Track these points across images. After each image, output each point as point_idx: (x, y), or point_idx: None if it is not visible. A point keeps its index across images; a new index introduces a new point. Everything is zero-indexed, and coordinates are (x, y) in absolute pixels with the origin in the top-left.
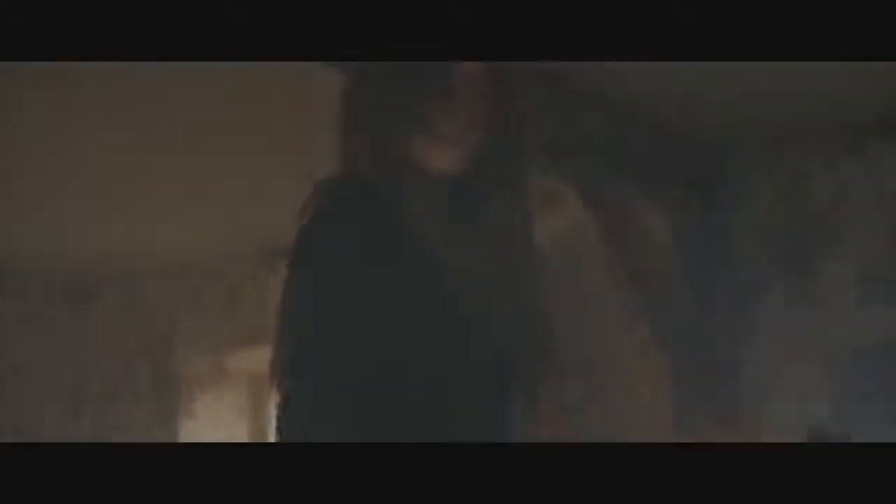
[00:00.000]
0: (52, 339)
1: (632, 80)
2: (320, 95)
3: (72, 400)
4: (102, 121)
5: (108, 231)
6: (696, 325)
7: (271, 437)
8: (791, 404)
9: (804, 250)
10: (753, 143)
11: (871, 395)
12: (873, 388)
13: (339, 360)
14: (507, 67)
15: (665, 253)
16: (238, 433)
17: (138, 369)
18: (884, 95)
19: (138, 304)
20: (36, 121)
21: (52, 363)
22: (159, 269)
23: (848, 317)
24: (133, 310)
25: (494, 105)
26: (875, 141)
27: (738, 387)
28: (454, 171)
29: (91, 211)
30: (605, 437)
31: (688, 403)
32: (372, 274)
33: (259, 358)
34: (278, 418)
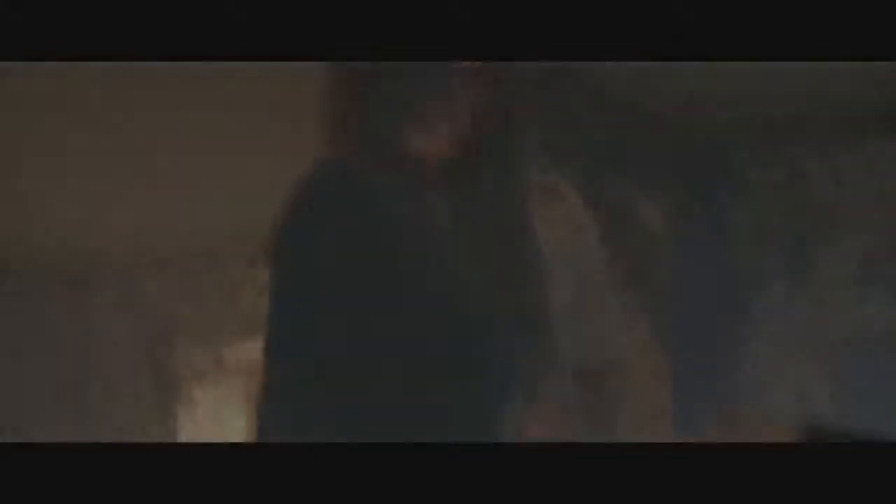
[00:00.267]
0: (50, 334)
1: (630, 75)
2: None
3: (70, 393)
4: (102, 115)
5: (106, 225)
6: (695, 322)
7: None
8: (790, 400)
9: (803, 246)
10: (752, 138)
11: (870, 390)
12: (873, 383)
13: (322, 358)
14: (505, 67)
15: (663, 250)
16: (237, 426)
17: (137, 363)
18: (884, 92)
19: (137, 298)
20: (35, 117)
21: (50, 357)
22: (158, 262)
23: (847, 313)
24: (132, 304)
25: (491, 101)
26: (875, 136)
27: (737, 383)
28: (447, 164)
29: (89, 205)
30: (604, 434)
31: (687, 400)
32: (357, 270)
33: (259, 352)
34: (258, 422)
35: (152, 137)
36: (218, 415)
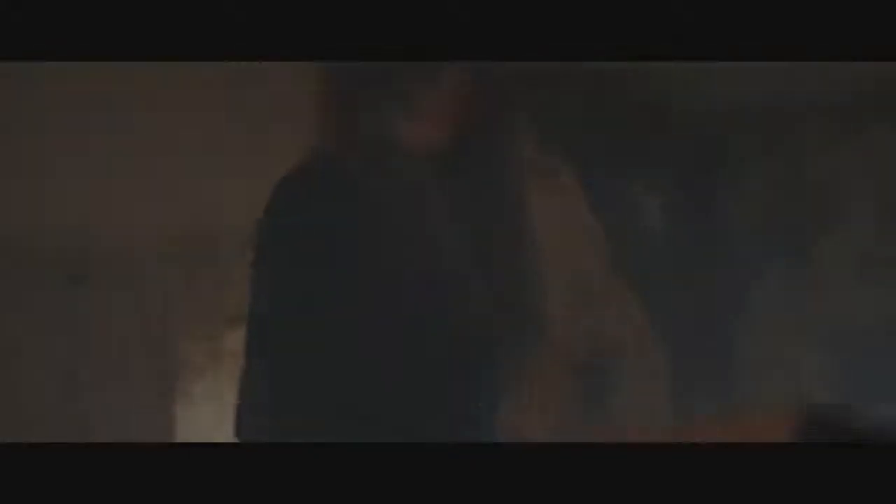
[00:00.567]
0: (46, 320)
1: (627, 67)
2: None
3: (68, 381)
4: (101, 104)
5: (103, 211)
6: (694, 310)
7: None
8: (789, 389)
9: (802, 232)
10: (751, 125)
11: (869, 375)
12: (872, 368)
13: (307, 354)
14: (499, 67)
15: (662, 241)
16: (233, 414)
17: (133, 350)
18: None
19: (133, 285)
20: (35, 113)
21: (46, 344)
22: (155, 249)
23: (847, 298)
24: (128, 291)
25: (485, 92)
26: (873, 124)
27: (735, 372)
28: (440, 156)
29: (86, 191)
30: (601, 426)
31: (686, 388)
32: (343, 264)
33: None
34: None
35: (151, 134)
36: (215, 402)
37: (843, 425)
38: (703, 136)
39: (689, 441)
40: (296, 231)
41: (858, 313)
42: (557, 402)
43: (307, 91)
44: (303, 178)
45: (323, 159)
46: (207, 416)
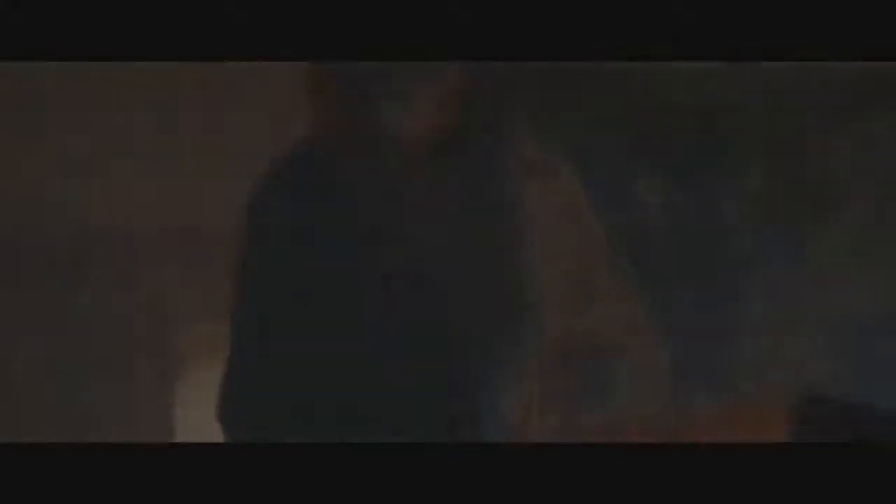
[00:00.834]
0: (45, 308)
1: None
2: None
3: (67, 369)
4: (101, 92)
5: (103, 198)
6: (693, 299)
7: None
8: (790, 377)
9: (801, 220)
10: (750, 111)
11: (870, 363)
12: (872, 356)
13: (296, 343)
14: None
15: (659, 229)
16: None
17: (133, 339)
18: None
19: (133, 272)
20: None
21: (45, 333)
22: (155, 237)
23: (847, 286)
24: (127, 278)
25: (479, 84)
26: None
27: (735, 357)
28: (432, 145)
29: (85, 177)
30: (601, 422)
31: (686, 384)
32: (331, 253)
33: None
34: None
35: (149, 132)
36: (215, 390)
37: (843, 418)
38: (703, 132)
39: (689, 435)
40: (286, 228)
41: (860, 305)
42: (558, 399)
43: (303, 89)
44: (293, 175)
45: (314, 156)
46: (208, 407)
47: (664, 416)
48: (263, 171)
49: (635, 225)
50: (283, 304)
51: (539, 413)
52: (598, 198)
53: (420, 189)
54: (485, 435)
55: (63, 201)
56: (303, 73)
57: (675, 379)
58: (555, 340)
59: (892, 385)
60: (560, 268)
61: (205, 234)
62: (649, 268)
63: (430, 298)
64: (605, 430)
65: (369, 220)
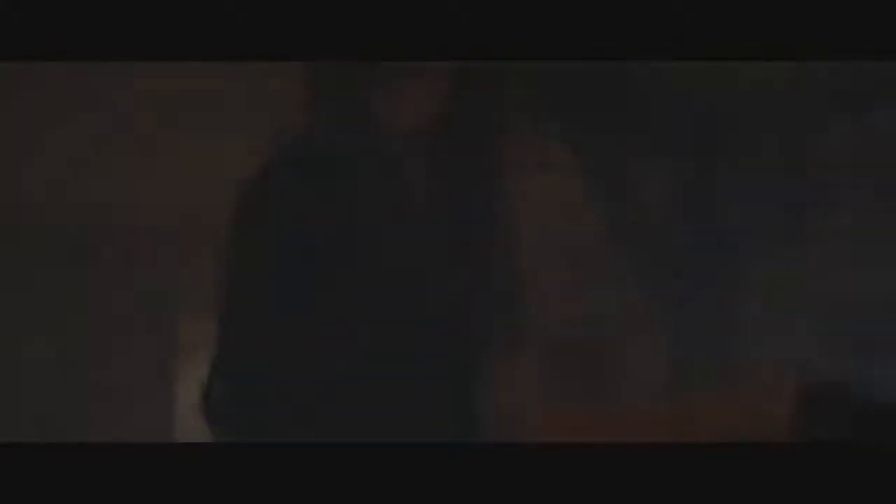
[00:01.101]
0: (46, 297)
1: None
2: None
3: (67, 360)
4: (102, 99)
5: (104, 187)
6: (692, 285)
7: None
8: (790, 364)
9: (802, 209)
10: (749, 103)
11: (869, 350)
12: (872, 343)
13: (281, 340)
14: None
15: (658, 218)
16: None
17: (134, 329)
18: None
19: (134, 262)
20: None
21: (46, 322)
22: (156, 226)
23: (847, 273)
24: (129, 268)
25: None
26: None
27: (734, 344)
28: (424, 135)
29: (86, 166)
30: (600, 407)
31: (685, 363)
32: (324, 246)
33: None
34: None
35: (151, 123)
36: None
37: (844, 399)
38: (702, 123)
39: (690, 429)
40: (281, 225)
41: (861, 287)
42: (558, 397)
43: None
44: (289, 173)
45: (309, 154)
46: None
47: (664, 411)
48: (260, 170)
49: (634, 219)
50: (277, 301)
51: (539, 412)
52: (593, 181)
53: (415, 186)
54: (484, 435)
55: (63, 202)
56: (299, 72)
57: (675, 374)
58: (555, 338)
59: (893, 376)
60: (560, 265)
61: (205, 232)
62: (648, 262)
63: (427, 296)
64: (605, 427)
65: (365, 217)
